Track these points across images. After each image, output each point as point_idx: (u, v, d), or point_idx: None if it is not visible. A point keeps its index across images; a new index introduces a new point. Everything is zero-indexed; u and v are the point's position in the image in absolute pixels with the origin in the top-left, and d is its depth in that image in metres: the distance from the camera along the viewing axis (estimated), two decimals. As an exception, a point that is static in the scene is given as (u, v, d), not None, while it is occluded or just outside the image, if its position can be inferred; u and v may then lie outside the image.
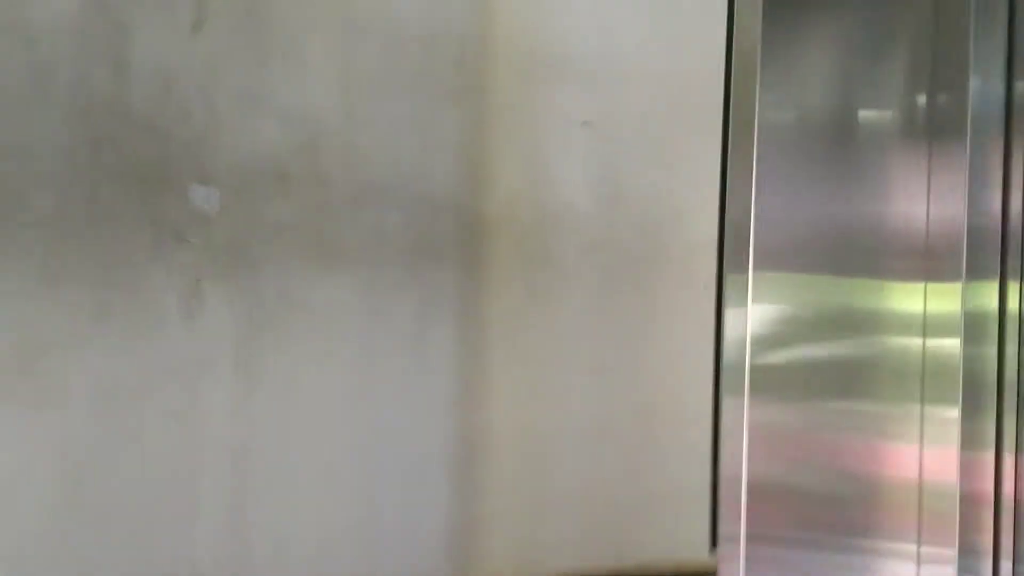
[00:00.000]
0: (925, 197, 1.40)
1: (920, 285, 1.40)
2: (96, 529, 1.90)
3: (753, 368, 1.46)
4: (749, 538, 1.46)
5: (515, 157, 2.65)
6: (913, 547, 1.39)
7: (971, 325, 1.40)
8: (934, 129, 1.41)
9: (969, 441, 1.38)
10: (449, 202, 2.49)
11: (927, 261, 1.40)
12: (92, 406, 1.90)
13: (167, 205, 1.96)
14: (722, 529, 1.49)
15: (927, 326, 1.40)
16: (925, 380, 1.40)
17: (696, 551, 2.70)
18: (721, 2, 1.58)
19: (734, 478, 1.48)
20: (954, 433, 1.37)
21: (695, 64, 2.80)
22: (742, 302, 1.46)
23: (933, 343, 1.39)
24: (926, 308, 1.40)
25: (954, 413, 1.38)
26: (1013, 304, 1.39)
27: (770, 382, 1.46)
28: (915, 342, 1.41)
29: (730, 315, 1.48)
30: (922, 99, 1.44)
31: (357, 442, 2.27)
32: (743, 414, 1.44)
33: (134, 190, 1.94)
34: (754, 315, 1.46)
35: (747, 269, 1.46)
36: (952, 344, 1.38)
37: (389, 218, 2.36)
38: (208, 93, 2.05)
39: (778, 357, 1.48)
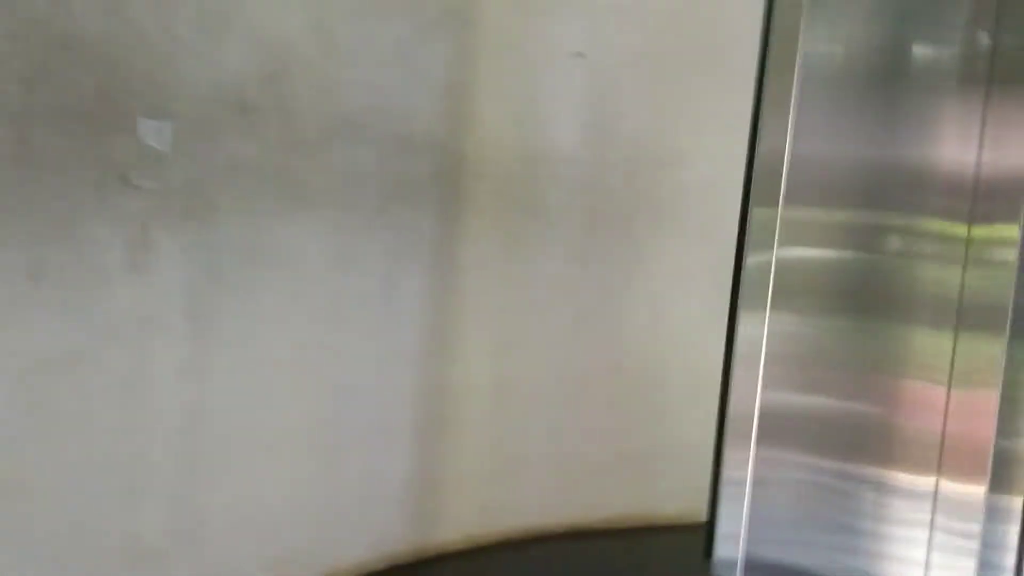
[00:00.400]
0: (978, 141, 1.33)
1: (963, 225, 1.36)
2: (34, 510, 1.76)
3: (776, 285, 1.41)
4: (756, 481, 1.43)
5: (502, 92, 2.47)
6: (931, 486, 1.36)
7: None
8: (996, 72, 1.34)
9: (1011, 382, 1.33)
10: (429, 140, 2.31)
11: (975, 203, 1.35)
12: (24, 377, 1.72)
13: (113, 144, 1.76)
14: (726, 472, 1.45)
15: (968, 260, 1.35)
16: (962, 311, 1.36)
17: (664, 505, 2.65)
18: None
19: (745, 413, 1.43)
20: (991, 373, 1.32)
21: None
22: (769, 230, 1.41)
23: (976, 276, 1.33)
24: (968, 244, 1.36)
25: (994, 349, 1.33)
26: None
27: (792, 300, 1.42)
28: (954, 271, 1.36)
29: (755, 234, 1.43)
30: (984, 39, 1.35)
31: (320, 400, 2.15)
32: (762, 332, 1.41)
33: (74, 128, 1.73)
34: (781, 240, 1.42)
35: (777, 203, 1.42)
36: (1002, 277, 1.32)
37: (362, 157, 2.18)
38: (164, 13, 1.83)
39: (803, 278, 1.44)
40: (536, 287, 2.63)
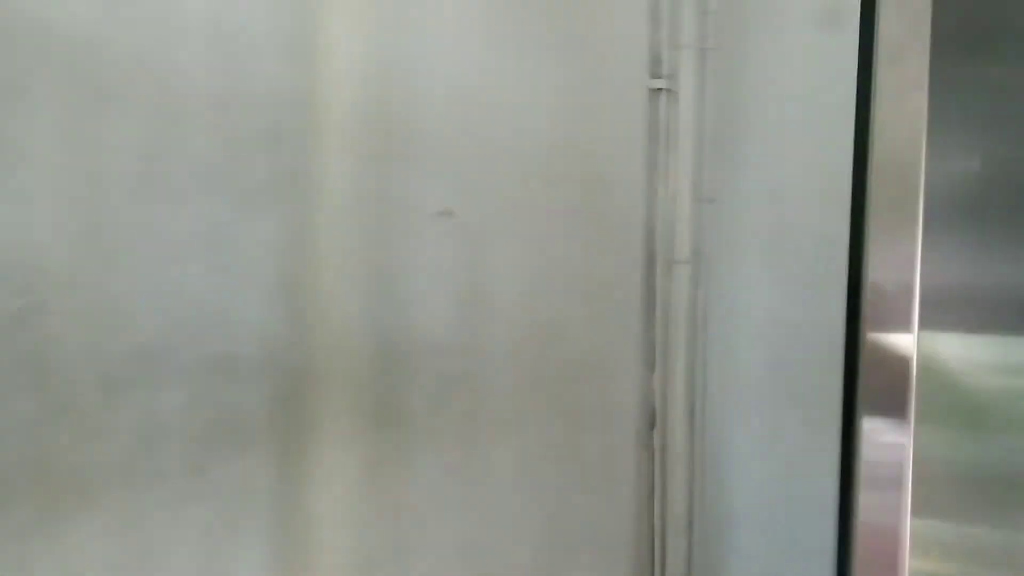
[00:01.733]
0: None
1: None
2: None
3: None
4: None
5: (351, 272, 1.88)
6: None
7: None
8: None
9: None
10: (260, 355, 1.69)
11: None
12: None
13: None
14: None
15: None
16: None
17: None
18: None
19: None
20: None
21: (578, 132, 2.15)
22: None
23: None
24: None
25: None
26: None
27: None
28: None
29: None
30: None
31: None
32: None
33: None
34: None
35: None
36: None
37: (164, 401, 1.52)
38: None
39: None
40: (407, 518, 2.03)
